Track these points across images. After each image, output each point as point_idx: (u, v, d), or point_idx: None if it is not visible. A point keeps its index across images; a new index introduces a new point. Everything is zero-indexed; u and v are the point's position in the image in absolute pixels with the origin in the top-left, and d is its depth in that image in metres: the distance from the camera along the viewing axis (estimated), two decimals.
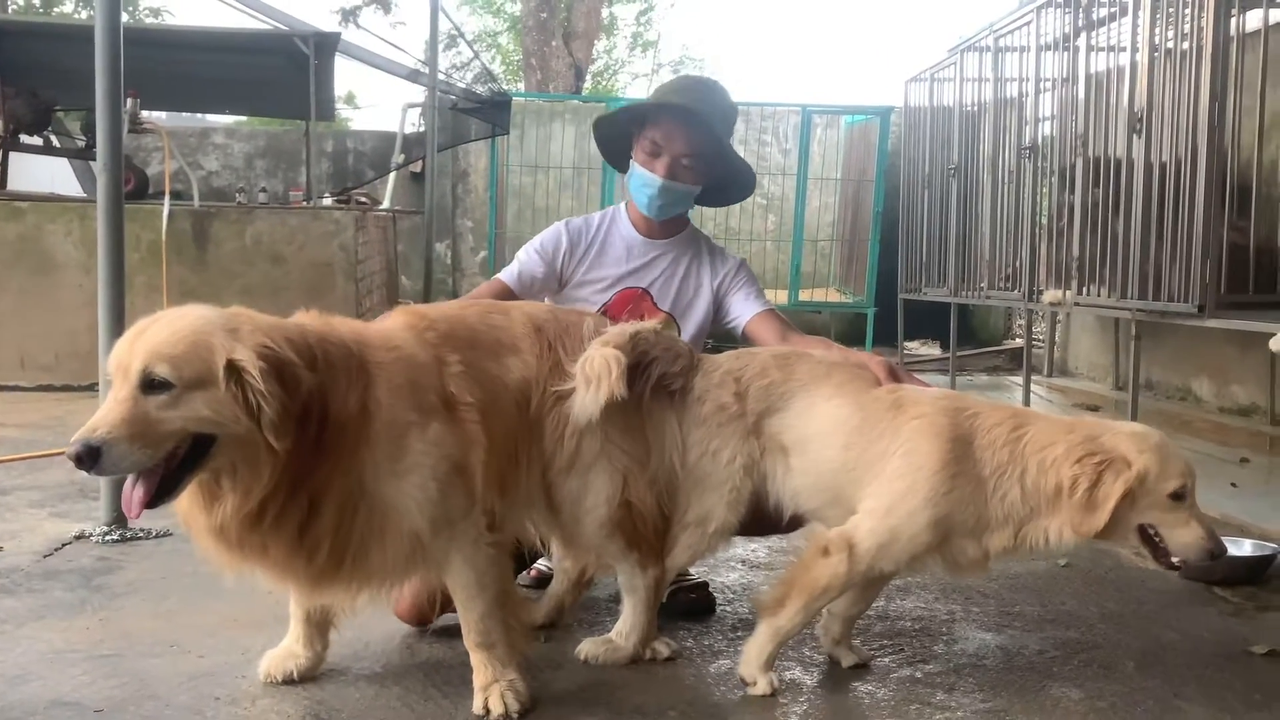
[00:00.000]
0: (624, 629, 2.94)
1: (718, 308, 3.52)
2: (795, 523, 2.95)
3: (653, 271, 3.51)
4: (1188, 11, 5.33)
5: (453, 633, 2.85)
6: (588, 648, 2.94)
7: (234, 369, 2.24)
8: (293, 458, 2.31)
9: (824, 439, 2.74)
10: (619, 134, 3.55)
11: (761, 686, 2.72)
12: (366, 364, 2.46)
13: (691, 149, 3.38)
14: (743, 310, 3.48)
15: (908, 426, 2.65)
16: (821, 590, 2.69)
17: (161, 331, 2.27)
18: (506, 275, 3.46)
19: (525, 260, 3.48)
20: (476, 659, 2.62)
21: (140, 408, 2.21)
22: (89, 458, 2.17)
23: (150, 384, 2.22)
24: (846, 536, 2.65)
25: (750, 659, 2.75)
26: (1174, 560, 2.65)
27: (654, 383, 2.83)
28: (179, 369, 2.23)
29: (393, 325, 2.68)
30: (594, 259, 3.51)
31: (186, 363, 2.23)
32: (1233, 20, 5.35)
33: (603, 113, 3.68)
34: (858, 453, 2.69)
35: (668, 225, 3.54)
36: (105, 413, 2.21)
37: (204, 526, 2.38)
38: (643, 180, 3.44)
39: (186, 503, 2.39)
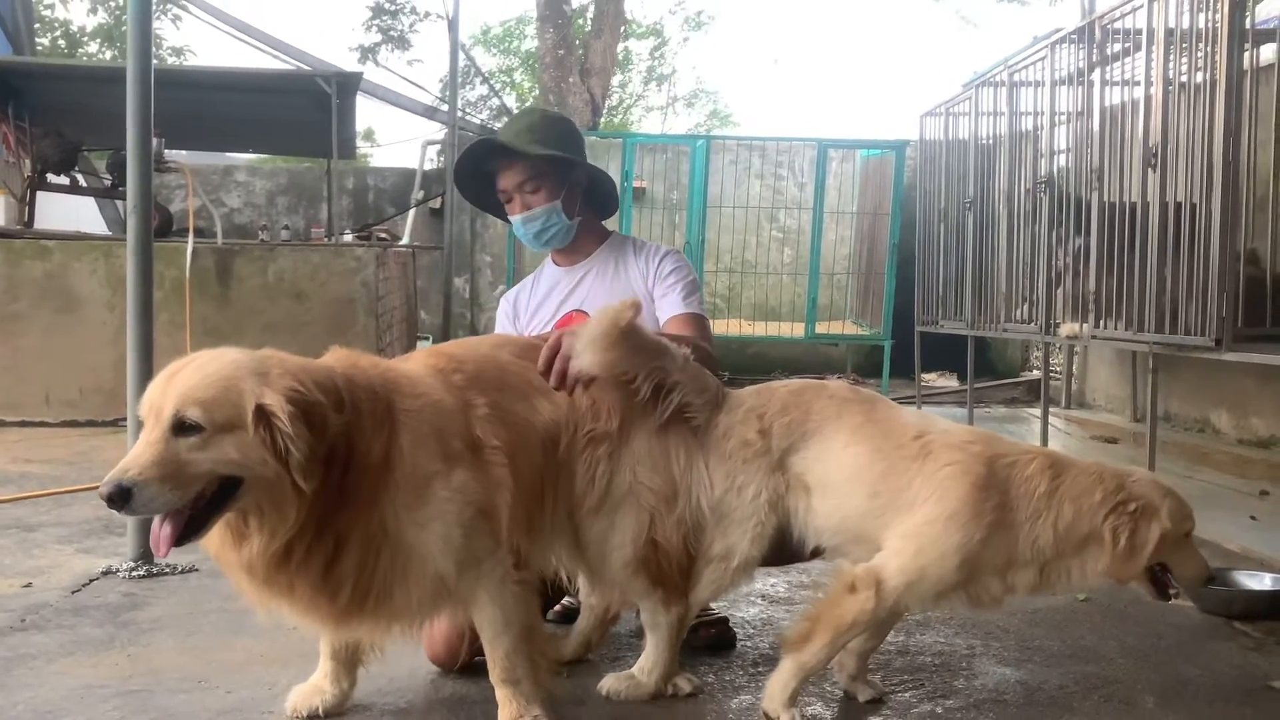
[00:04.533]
0: (646, 665, 2.95)
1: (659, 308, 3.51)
2: (816, 552, 2.97)
3: (582, 291, 3.57)
4: (1201, 46, 5.37)
5: (477, 669, 2.88)
6: (610, 683, 2.96)
7: (263, 413, 2.29)
8: (318, 499, 2.35)
9: (848, 487, 2.76)
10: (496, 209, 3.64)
11: None
12: (392, 410, 2.50)
13: (527, 174, 3.46)
14: (664, 313, 3.46)
15: (941, 473, 2.67)
16: (848, 626, 2.71)
17: (193, 375, 2.32)
18: None
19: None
20: (502, 694, 2.65)
21: (171, 450, 2.26)
22: (120, 498, 2.21)
23: (181, 427, 2.27)
24: (874, 574, 2.67)
25: (774, 694, 2.77)
26: (1171, 592, 2.79)
27: (675, 409, 2.86)
28: (210, 412, 2.27)
29: (419, 367, 2.71)
30: (535, 309, 3.61)
31: (217, 406, 2.28)
32: (1247, 54, 5.39)
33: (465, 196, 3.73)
34: (886, 500, 2.71)
35: (579, 246, 3.61)
36: (136, 454, 2.26)
37: (234, 564, 2.43)
38: (515, 228, 3.56)
39: (217, 541, 2.43)
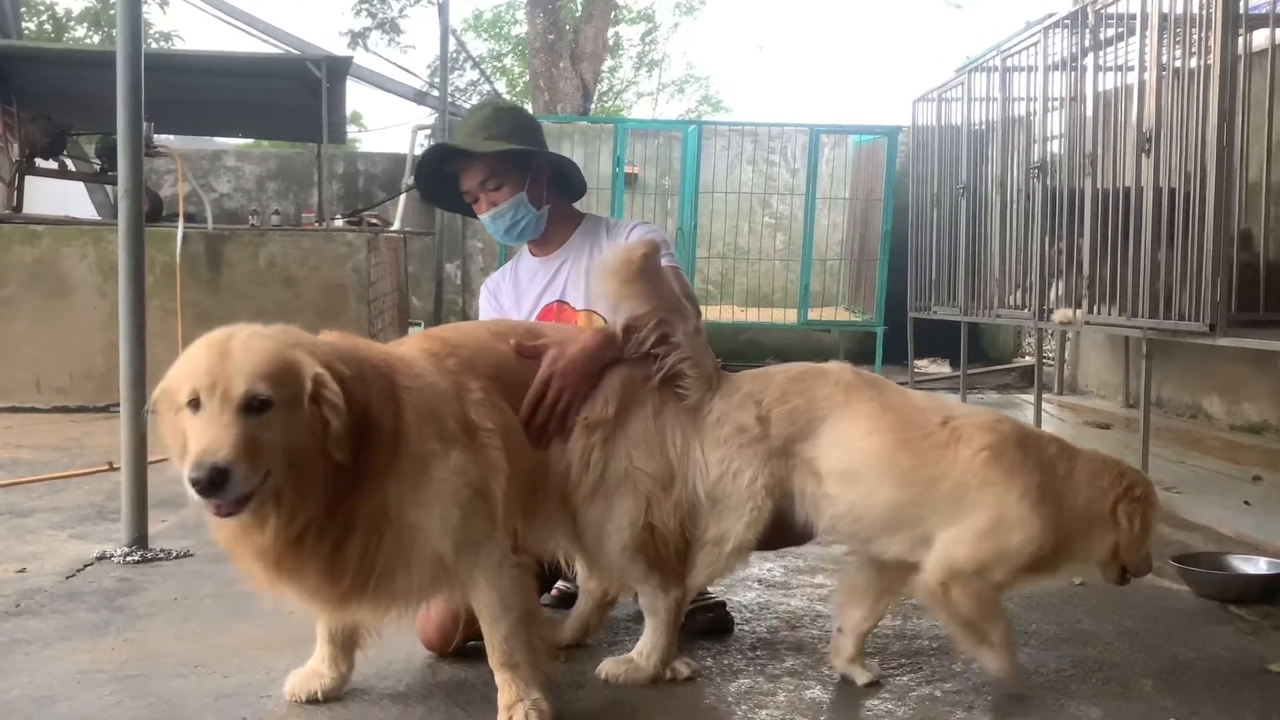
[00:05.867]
0: (645, 649, 2.95)
1: None
2: (808, 536, 2.98)
3: (560, 280, 3.54)
4: (1195, 31, 5.36)
5: (476, 653, 2.87)
6: (609, 667, 2.96)
7: (315, 385, 2.27)
8: (335, 478, 2.34)
9: (875, 477, 2.78)
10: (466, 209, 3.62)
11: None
12: (396, 388, 2.50)
13: (486, 172, 3.42)
14: None
15: (979, 458, 2.72)
16: (991, 607, 2.80)
17: (248, 351, 2.28)
18: None
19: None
20: (501, 678, 2.64)
21: (249, 428, 2.22)
22: (220, 480, 2.15)
23: (252, 404, 2.23)
24: (951, 568, 2.73)
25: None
26: (1128, 576, 2.89)
27: (670, 372, 2.87)
28: (280, 388, 2.25)
29: (413, 351, 2.71)
30: (516, 300, 3.57)
31: (284, 382, 2.26)
32: (1240, 39, 5.38)
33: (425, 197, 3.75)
34: (921, 490, 2.75)
35: (553, 235, 3.57)
36: (215, 436, 2.19)
37: (248, 550, 2.39)
38: (486, 225, 3.53)
39: (234, 529, 2.37)
